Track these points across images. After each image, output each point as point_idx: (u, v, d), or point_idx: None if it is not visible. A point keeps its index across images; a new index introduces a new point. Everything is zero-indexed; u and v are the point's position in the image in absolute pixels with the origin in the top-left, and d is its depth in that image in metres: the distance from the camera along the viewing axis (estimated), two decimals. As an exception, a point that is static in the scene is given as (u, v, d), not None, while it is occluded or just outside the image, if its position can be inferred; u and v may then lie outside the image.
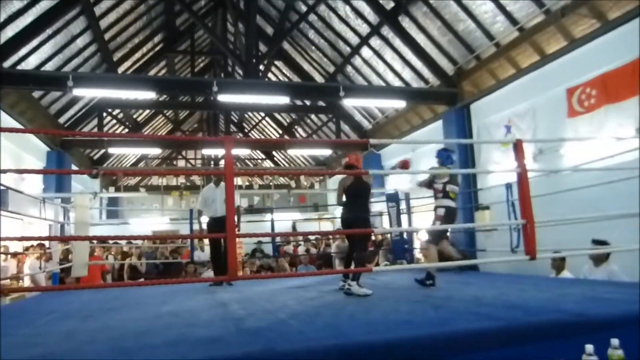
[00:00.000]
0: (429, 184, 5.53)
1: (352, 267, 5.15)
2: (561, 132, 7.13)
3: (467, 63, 9.41)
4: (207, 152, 17.13)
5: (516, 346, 2.65)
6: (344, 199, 5.26)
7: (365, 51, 11.55)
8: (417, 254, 9.05)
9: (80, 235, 7.33)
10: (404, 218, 8.88)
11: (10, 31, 8.05)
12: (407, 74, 11.03)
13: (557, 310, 3.19)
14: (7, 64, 8.41)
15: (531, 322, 2.90)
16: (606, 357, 2.14)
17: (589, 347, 2.09)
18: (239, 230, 6.21)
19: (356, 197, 5.17)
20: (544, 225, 5.05)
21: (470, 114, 9.61)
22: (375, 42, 11.06)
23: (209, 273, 8.86)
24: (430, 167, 5.84)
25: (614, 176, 5.20)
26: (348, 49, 11.98)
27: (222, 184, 6.38)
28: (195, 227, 6.92)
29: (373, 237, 10.85)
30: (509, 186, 6.44)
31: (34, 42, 8.83)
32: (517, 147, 4.06)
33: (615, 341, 2.15)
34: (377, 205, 11.81)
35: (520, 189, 4.04)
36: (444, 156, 5.55)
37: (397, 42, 10.37)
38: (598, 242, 5.18)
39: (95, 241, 9.06)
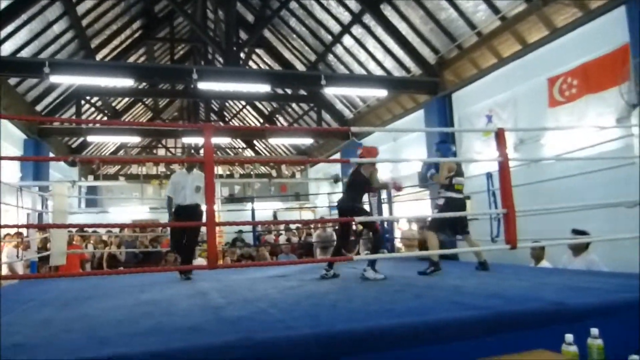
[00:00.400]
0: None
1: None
2: (542, 122, 7.19)
3: (449, 52, 9.43)
4: (188, 140, 16.92)
5: (496, 335, 2.65)
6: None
7: (347, 39, 11.50)
8: (398, 243, 9.08)
9: (59, 224, 7.22)
10: (384, 207, 8.88)
11: (-17, 17, 7.83)
12: (389, 63, 11.01)
13: (537, 299, 3.21)
14: (-20, 49, 8.19)
15: (511, 311, 2.91)
16: (585, 347, 2.16)
17: (569, 337, 2.10)
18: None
19: (353, 186, 5.41)
20: (525, 215, 5.10)
21: (452, 104, 9.64)
22: (357, 30, 11.01)
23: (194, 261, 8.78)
24: (427, 165, 5.86)
25: (594, 166, 5.25)
26: (329, 37, 11.92)
27: (195, 170, 6.06)
28: (167, 216, 6.19)
29: (354, 227, 10.92)
30: (489, 175, 6.47)
31: (9, 28, 8.62)
32: (499, 136, 4.07)
33: (595, 330, 2.17)
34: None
35: (502, 178, 4.05)
36: (444, 148, 5.62)
37: (379, 31, 10.34)
38: (578, 232, 5.23)
39: (73, 230, 8.92)
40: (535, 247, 5.72)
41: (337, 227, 5.84)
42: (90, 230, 10.23)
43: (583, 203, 5.31)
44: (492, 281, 4.36)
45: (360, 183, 5.37)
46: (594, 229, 5.26)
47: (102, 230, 10.60)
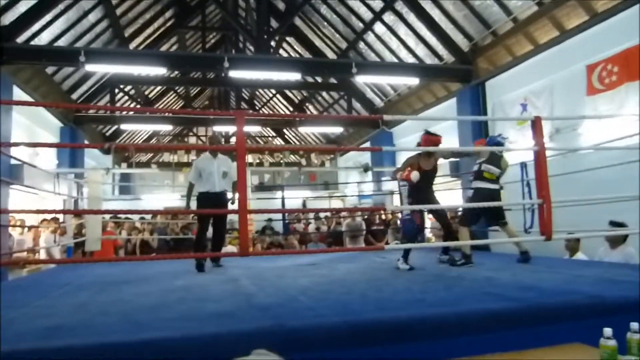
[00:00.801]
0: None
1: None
2: (580, 110, 6.98)
3: (483, 39, 9.21)
4: (218, 129, 17.10)
5: (530, 327, 2.61)
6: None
7: (379, 27, 11.36)
8: (428, 233, 9.01)
9: (93, 210, 7.40)
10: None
11: (23, 6, 8.01)
12: (421, 51, 10.84)
13: (573, 292, 3.14)
14: (20, 39, 8.39)
15: (545, 304, 2.85)
16: (624, 341, 2.09)
17: (607, 330, 2.03)
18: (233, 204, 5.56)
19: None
20: (560, 206, 4.97)
21: (485, 92, 9.44)
22: (388, 17, 10.85)
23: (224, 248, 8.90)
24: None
25: (633, 156, 5.07)
26: (361, 25, 11.79)
27: (220, 155, 5.66)
28: (194, 204, 5.81)
29: (383, 216, 10.88)
30: (523, 165, 6.34)
31: (47, 18, 8.80)
32: (536, 124, 3.96)
33: (635, 325, 2.10)
34: (388, 184, 11.78)
35: (537, 168, 3.96)
36: (492, 141, 5.46)
37: (412, 18, 10.17)
38: (615, 224, 5.09)
39: (107, 216, 9.12)
40: (571, 239, 5.59)
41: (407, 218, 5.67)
42: (123, 216, 10.44)
43: (621, 194, 5.14)
44: (525, 273, 4.28)
45: (428, 173, 5.29)
46: (631, 221, 5.09)
47: (135, 217, 10.82)
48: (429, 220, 9.49)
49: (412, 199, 5.33)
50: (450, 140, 10.23)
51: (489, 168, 5.33)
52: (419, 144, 5.38)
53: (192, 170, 5.72)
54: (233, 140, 18.74)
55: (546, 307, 2.80)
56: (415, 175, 5.01)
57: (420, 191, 5.24)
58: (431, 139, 5.07)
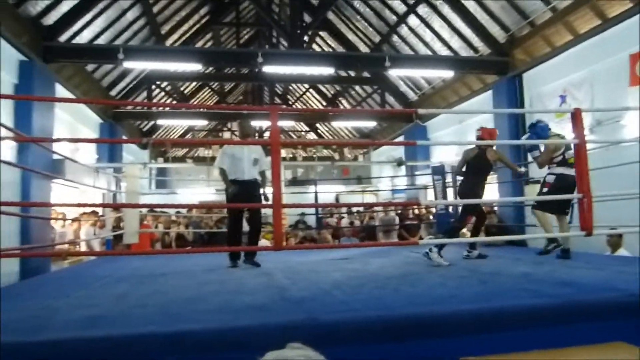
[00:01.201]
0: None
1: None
2: (622, 102, 6.74)
3: (520, 30, 8.98)
4: (252, 123, 17.24)
5: (569, 324, 2.54)
6: (463, 169, 5.44)
7: (412, 19, 11.21)
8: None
9: (132, 203, 7.58)
10: (449, 191, 8.69)
11: (65, 6, 8.25)
12: (456, 43, 10.66)
13: (614, 289, 3.04)
14: (62, 38, 8.66)
15: (584, 300, 2.76)
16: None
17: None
18: (267, 200, 5.12)
19: (475, 171, 5.27)
20: (601, 200, 4.82)
21: (523, 84, 9.22)
22: (422, 9, 10.70)
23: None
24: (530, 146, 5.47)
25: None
26: (394, 18, 11.66)
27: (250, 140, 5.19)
28: (224, 197, 5.39)
29: (417, 211, 10.78)
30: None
31: (87, 17, 9.04)
32: (576, 116, 3.84)
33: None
34: (422, 178, 11.65)
35: (578, 162, 3.84)
36: (540, 129, 5.17)
37: (446, 9, 10.01)
38: None
39: (144, 210, 9.34)
40: (613, 234, 5.41)
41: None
42: (159, 210, 10.66)
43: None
44: (564, 269, 4.17)
45: (484, 168, 5.27)
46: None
47: (171, 211, 11.04)
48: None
49: (465, 190, 5.30)
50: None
51: (571, 153, 4.85)
52: (481, 139, 5.40)
53: (220, 155, 5.24)
54: (267, 135, 18.86)
55: (585, 303, 2.71)
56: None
57: (474, 183, 5.23)
58: (494, 130, 5.34)
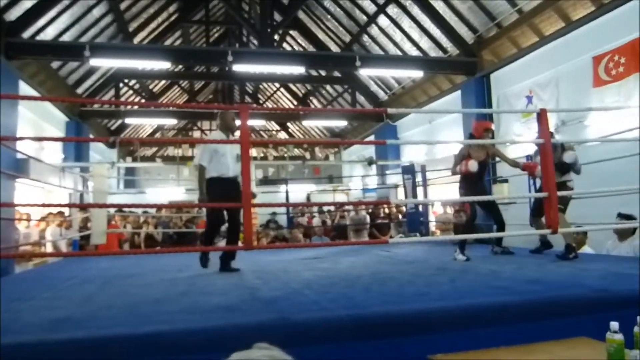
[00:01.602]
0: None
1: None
2: (586, 103, 6.93)
3: (488, 31, 9.16)
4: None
5: (535, 321, 2.59)
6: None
7: (382, 20, 11.30)
8: (432, 227, 8.99)
9: (99, 203, 7.42)
10: (419, 190, 8.79)
11: (28, 2, 8.02)
12: (425, 43, 10.79)
13: (579, 286, 3.12)
14: (26, 34, 8.40)
15: (551, 297, 2.83)
16: (632, 335, 2.07)
17: (614, 324, 2.02)
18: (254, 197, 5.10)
19: (479, 170, 5.17)
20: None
21: (490, 84, 9.40)
22: (392, 10, 10.80)
23: (224, 243, 8.90)
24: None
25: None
26: (364, 18, 11.74)
27: (232, 136, 4.88)
28: (193, 196, 5.13)
29: (387, 210, 10.87)
30: (529, 158, 6.30)
31: (52, 13, 8.81)
32: (541, 117, 3.93)
33: (642, 319, 2.08)
34: (393, 177, 11.75)
35: (543, 161, 3.93)
36: None
37: (415, 10, 10.12)
38: (624, 217, 5.04)
39: (112, 210, 9.16)
40: (577, 232, 5.55)
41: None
42: (127, 210, 10.47)
43: (629, 187, 5.08)
44: (530, 266, 4.26)
45: (484, 165, 5.28)
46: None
47: (139, 211, 10.86)
48: (432, 215, 9.50)
49: (464, 190, 5.26)
50: (454, 132, 10.21)
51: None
52: (471, 135, 5.42)
53: (201, 150, 4.83)
54: (237, 134, 18.72)
55: (551, 301, 2.77)
56: (472, 165, 4.97)
57: (472, 182, 5.18)
58: (482, 124, 5.20)
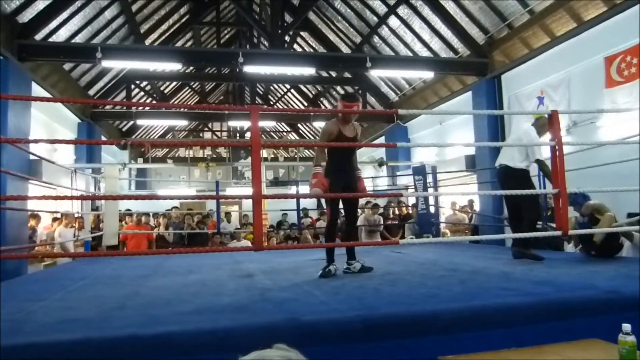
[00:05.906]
0: None
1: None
2: (598, 104, 6.87)
3: (499, 32, 9.10)
4: (233, 124, 17.17)
5: (546, 322, 2.59)
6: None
7: (393, 20, 11.28)
8: (444, 228, 8.97)
9: (111, 205, 7.48)
10: (430, 191, 8.76)
11: (41, 4, 8.10)
12: (436, 44, 10.75)
13: (590, 287, 3.10)
14: (38, 36, 8.50)
15: (562, 299, 2.81)
16: (644, 337, 2.06)
17: (626, 326, 2.00)
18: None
19: None
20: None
21: (501, 85, 9.34)
22: (403, 11, 10.77)
23: (234, 243, 8.96)
24: None
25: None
26: (375, 19, 11.71)
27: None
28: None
29: (397, 211, 10.84)
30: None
31: (64, 15, 8.89)
32: (553, 118, 3.91)
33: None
34: (404, 179, 11.72)
35: (554, 163, 3.90)
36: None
37: (426, 11, 10.09)
38: (634, 217, 5.00)
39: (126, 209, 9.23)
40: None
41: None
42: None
43: (629, 187, 4.97)
44: (541, 268, 4.23)
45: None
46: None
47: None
48: (442, 216, 9.46)
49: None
50: (465, 134, 10.17)
51: None
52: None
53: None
54: (248, 135, 18.79)
55: (562, 302, 2.76)
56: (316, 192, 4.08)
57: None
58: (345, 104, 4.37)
